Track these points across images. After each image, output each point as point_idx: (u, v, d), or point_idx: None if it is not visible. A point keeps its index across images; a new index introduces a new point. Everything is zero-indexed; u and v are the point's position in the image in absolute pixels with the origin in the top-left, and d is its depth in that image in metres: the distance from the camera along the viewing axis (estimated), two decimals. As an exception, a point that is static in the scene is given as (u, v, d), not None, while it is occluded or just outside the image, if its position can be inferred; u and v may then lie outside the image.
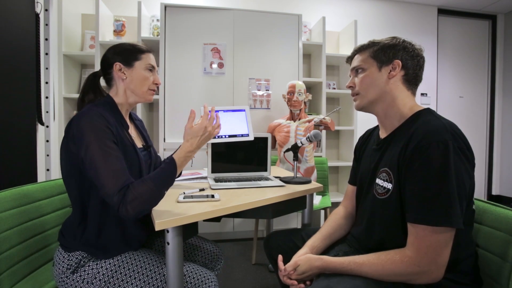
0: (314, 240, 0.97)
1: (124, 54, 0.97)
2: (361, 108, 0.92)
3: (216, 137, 1.04)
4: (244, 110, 1.13)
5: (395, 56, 0.84)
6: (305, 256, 0.87)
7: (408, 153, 0.74)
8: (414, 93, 0.88)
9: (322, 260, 0.83)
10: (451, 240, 0.69)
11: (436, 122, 0.74)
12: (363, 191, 0.94)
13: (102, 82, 1.03)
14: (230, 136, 1.06)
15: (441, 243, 0.68)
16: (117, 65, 0.96)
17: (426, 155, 0.69)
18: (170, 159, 0.87)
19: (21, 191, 0.99)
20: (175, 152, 0.92)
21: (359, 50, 0.91)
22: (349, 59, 0.96)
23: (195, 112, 0.93)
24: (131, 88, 0.98)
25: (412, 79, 0.85)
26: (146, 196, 0.78)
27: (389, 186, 0.80)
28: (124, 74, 0.96)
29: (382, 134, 0.92)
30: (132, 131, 1.04)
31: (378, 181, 0.85)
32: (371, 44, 0.88)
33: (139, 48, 0.99)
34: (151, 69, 1.00)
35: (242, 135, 1.08)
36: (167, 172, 0.85)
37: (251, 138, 1.08)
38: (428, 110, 0.82)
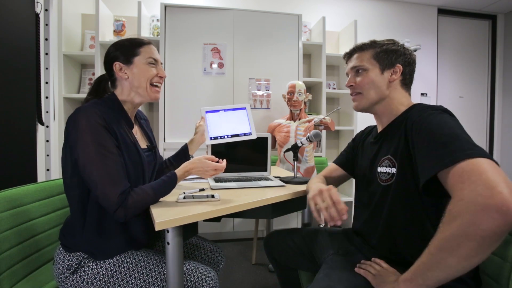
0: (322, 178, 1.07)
1: (121, 51, 0.93)
2: (360, 109, 0.92)
3: (218, 137, 1.01)
4: (245, 108, 1.08)
5: (397, 61, 0.87)
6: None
7: (408, 130, 0.76)
8: (410, 94, 0.92)
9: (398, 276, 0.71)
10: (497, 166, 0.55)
11: (429, 105, 0.79)
12: (364, 183, 0.95)
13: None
14: (232, 136, 1.01)
15: (482, 168, 0.54)
16: (117, 65, 0.93)
17: (426, 122, 0.71)
18: (173, 174, 0.93)
19: (20, 191, 0.98)
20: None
21: (360, 49, 0.91)
22: (348, 55, 0.95)
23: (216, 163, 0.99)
24: (135, 86, 0.94)
25: (408, 83, 0.91)
26: (144, 203, 0.85)
27: (393, 170, 0.81)
28: (126, 73, 0.93)
29: (379, 129, 0.94)
30: (136, 131, 1.02)
31: (380, 169, 0.86)
32: (373, 45, 0.89)
33: (136, 41, 0.94)
34: (153, 62, 0.95)
35: (244, 134, 1.02)
36: (168, 184, 0.91)
37: (253, 136, 1.03)
38: (420, 103, 0.86)
